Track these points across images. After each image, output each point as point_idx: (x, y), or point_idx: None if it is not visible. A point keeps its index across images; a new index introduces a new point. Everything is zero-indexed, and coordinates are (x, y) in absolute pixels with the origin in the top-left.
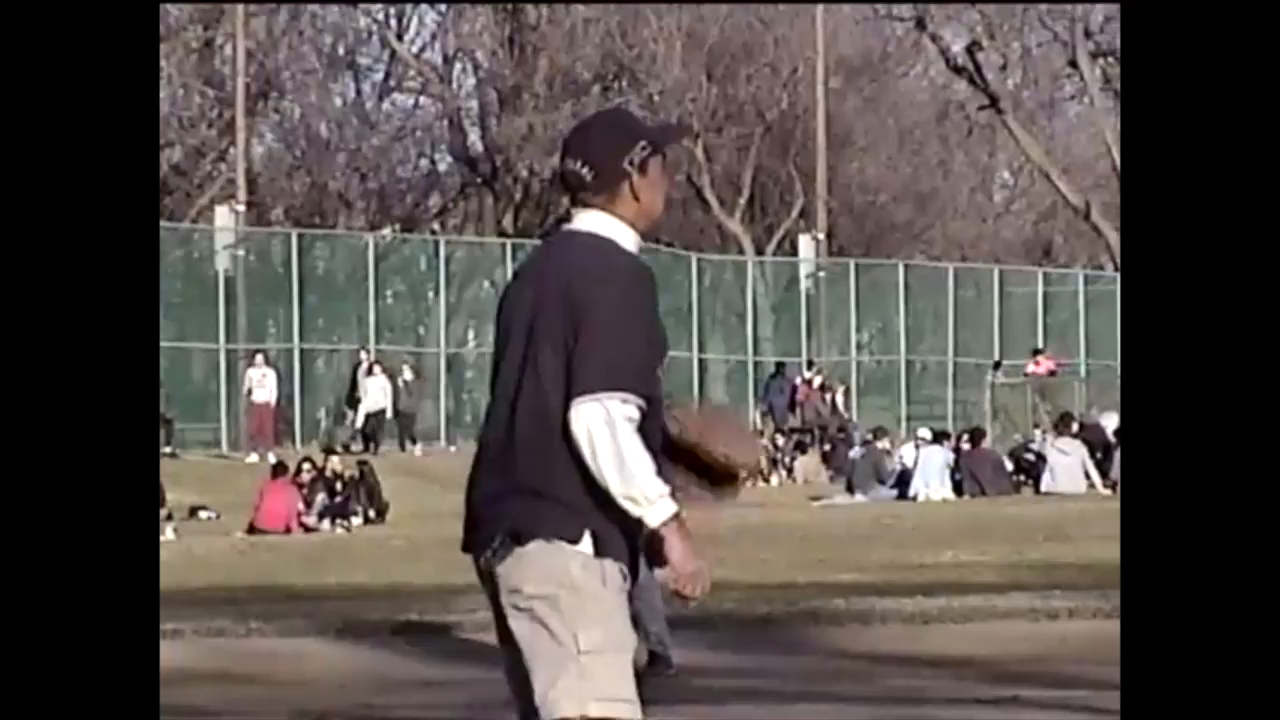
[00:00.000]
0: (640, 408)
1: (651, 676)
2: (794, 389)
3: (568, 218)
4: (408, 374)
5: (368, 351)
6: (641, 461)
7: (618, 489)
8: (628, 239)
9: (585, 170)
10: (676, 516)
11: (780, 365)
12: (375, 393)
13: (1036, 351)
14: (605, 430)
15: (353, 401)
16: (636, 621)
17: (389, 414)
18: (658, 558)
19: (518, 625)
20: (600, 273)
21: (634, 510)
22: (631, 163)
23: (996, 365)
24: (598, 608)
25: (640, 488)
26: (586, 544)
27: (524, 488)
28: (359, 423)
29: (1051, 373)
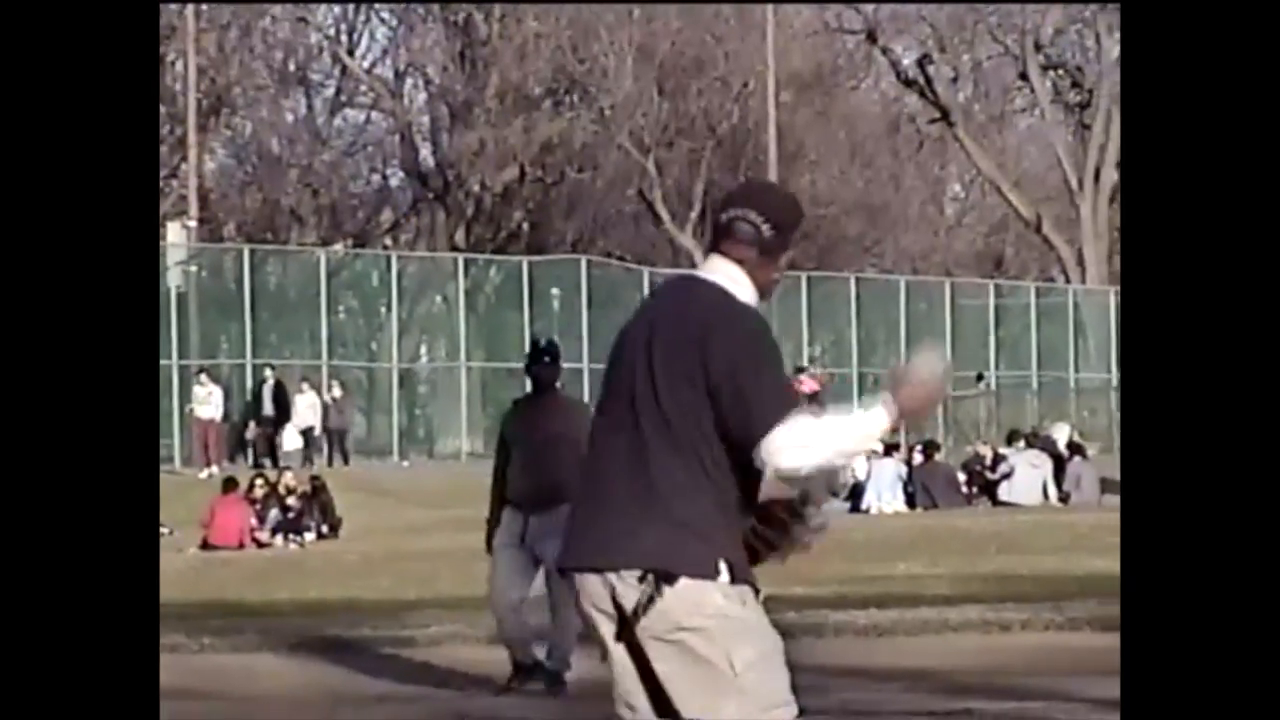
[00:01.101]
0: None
1: (526, 686)
2: None
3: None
4: (336, 390)
5: (272, 368)
6: (831, 424)
7: (847, 457)
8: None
9: (766, 227)
10: (886, 411)
11: None
12: (304, 410)
13: (799, 369)
14: (797, 442)
15: (259, 418)
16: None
17: (317, 430)
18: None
19: (664, 655)
20: (742, 323)
21: (871, 445)
22: (795, 241)
23: (979, 378)
24: (743, 627)
25: (856, 438)
26: (724, 575)
27: (663, 522)
28: (297, 442)
29: (815, 393)
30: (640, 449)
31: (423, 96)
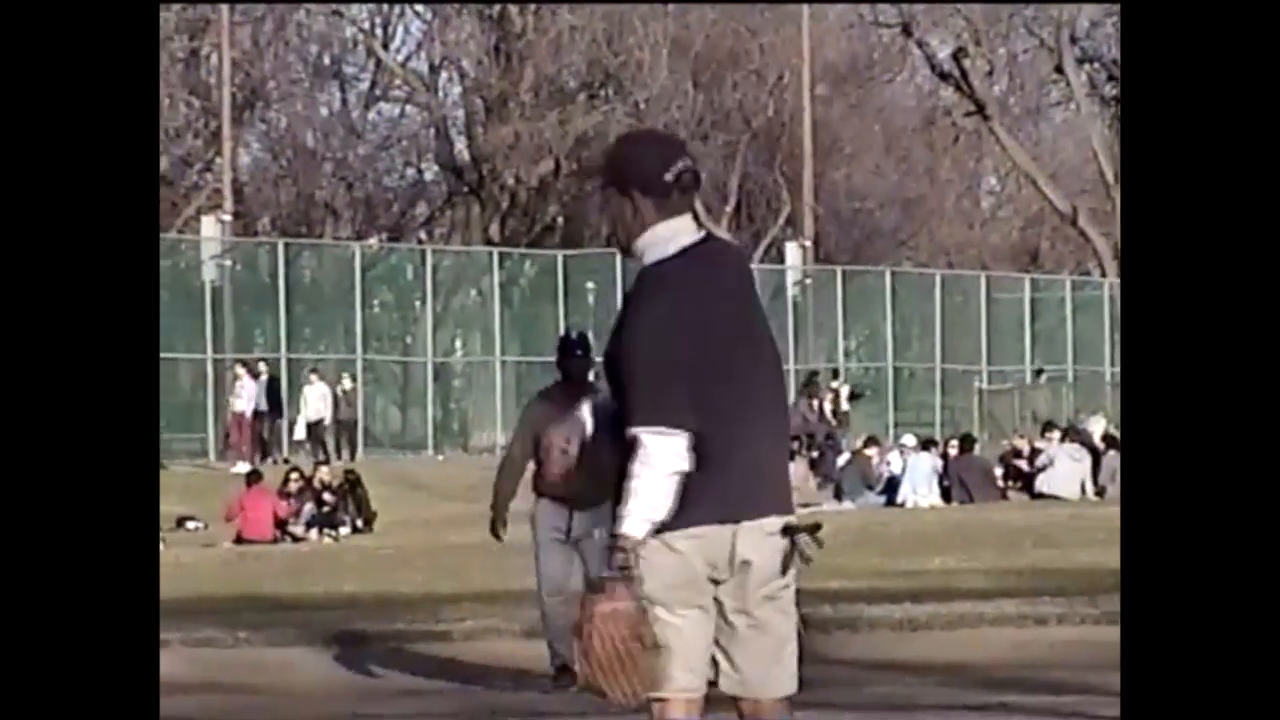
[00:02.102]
0: None
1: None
2: (819, 402)
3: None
4: (346, 383)
5: (266, 363)
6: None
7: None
8: None
9: (696, 169)
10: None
11: (814, 374)
12: (315, 402)
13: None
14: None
15: (255, 412)
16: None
17: (327, 422)
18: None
19: (771, 614)
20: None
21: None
22: None
23: (1039, 373)
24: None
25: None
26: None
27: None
28: (300, 434)
29: None
30: (776, 419)
31: (457, 90)
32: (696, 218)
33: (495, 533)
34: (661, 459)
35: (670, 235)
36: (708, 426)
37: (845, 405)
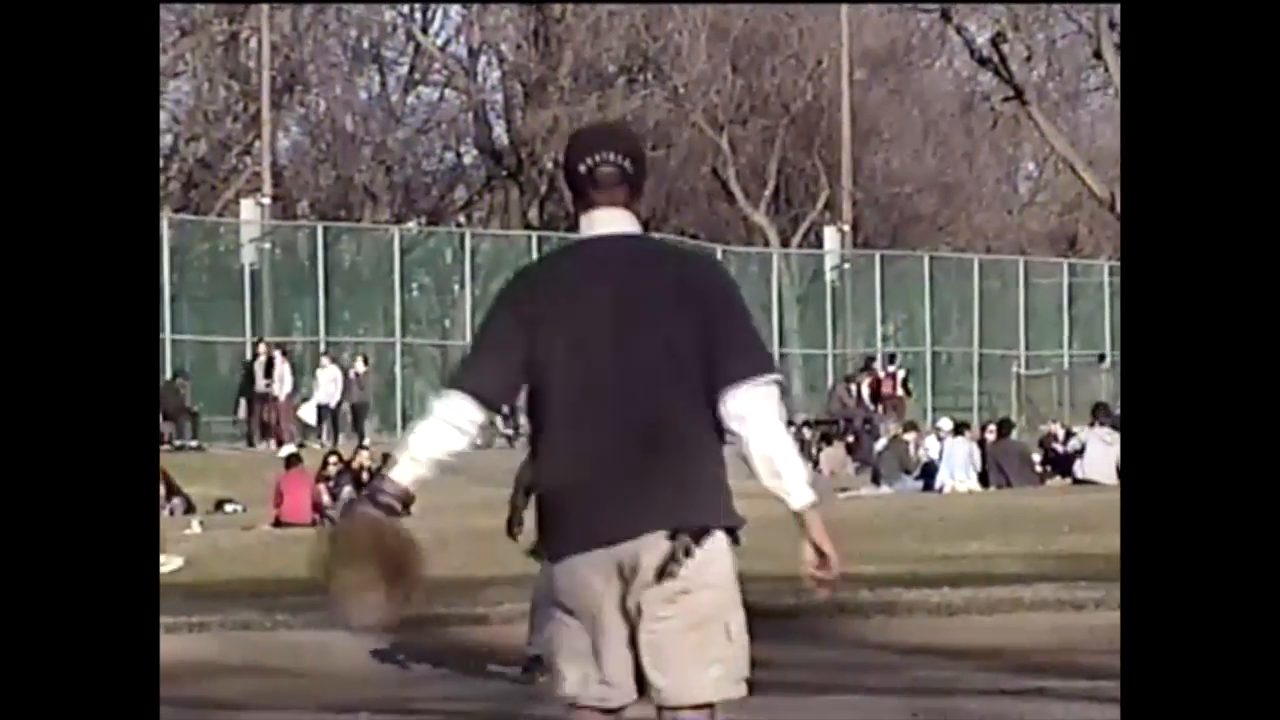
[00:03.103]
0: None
1: None
2: (877, 382)
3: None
4: (359, 366)
5: (267, 344)
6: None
7: (785, 466)
8: None
9: (628, 163)
10: (814, 503)
11: (870, 359)
12: (326, 385)
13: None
14: (775, 413)
15: (249, 394)
16: None
17: (339, 405)
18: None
19: (670, 617)
20: (714, 271)
21: (787, 491)
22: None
23: (1101, 358)
24: (738, 596)
25: (802, 471)
26: (733, 535)
27: (685, 480)
28: (310, 416)
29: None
30: (650, 414)
31: (496, 74)
32: (636, 212)
33: (510, 530)
34: (436, 409)
35: (586, 227)
36: (551, 421)
37: (900, 390)
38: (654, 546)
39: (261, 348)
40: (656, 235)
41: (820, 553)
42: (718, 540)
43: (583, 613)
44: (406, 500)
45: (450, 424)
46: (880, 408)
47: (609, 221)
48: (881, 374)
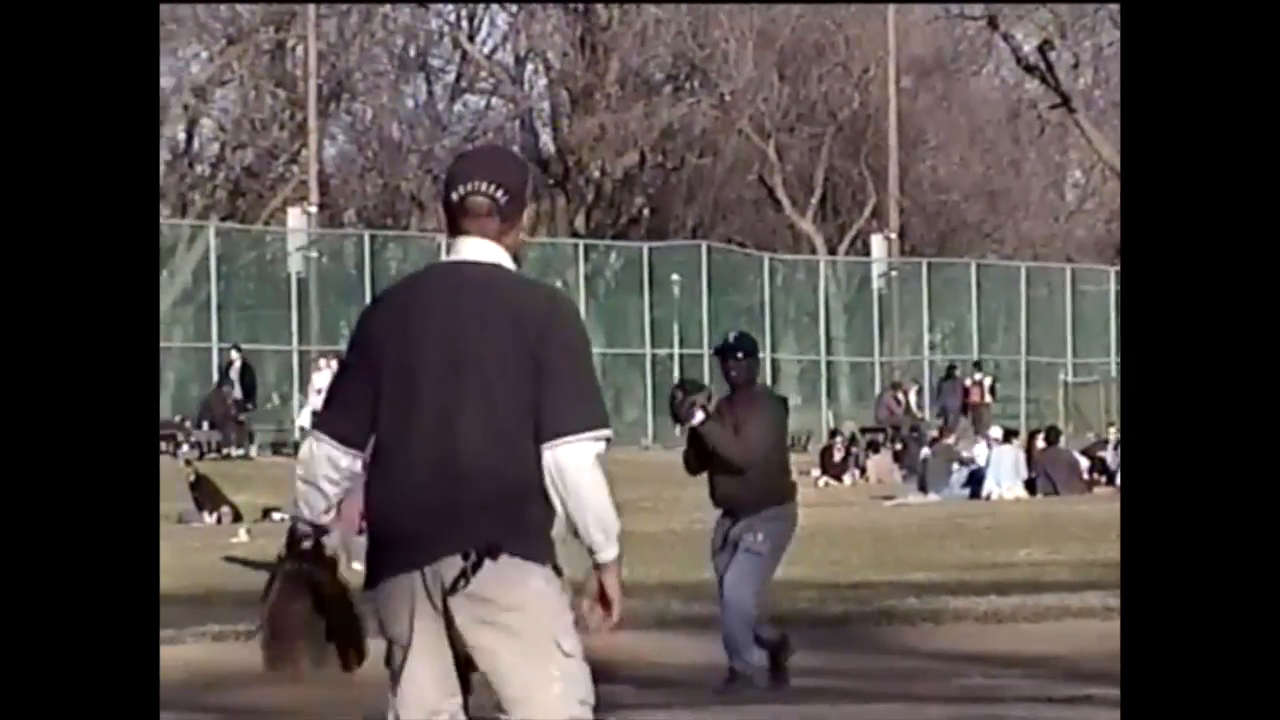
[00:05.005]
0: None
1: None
2: (965, 390)
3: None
4: None
5: (238, 349)
6: (609, 502)
7: (593, 525)
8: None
9: (500, 194)
10: (612, 555)
11: (951, 368)
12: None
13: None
14: (591, 473)
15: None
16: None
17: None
18: (597, 590)
19: (483, 637)
20: (555, 309)
21: (597, 544)
22: (533, 195)
23: None
24: (568, 618)
25: (613, 526)
26: (548, 564)
27: (490, 509)
28: (305, 420)
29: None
30: (453, 440)
31: (543, 82)
32: (509, 244)
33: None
34: (303, 460)
35: (449, 253)
36: (377, 447)
37: (989, 397)
38: (451, 565)
39: (234, 354)
40: (705, 244)
41: (605, 603)
42: (520, 565)
43: (396, 638)
44: (321, 532)
45: (317, 477)
46: (969, 416)
47: (470, 250)
48: (968, 382)
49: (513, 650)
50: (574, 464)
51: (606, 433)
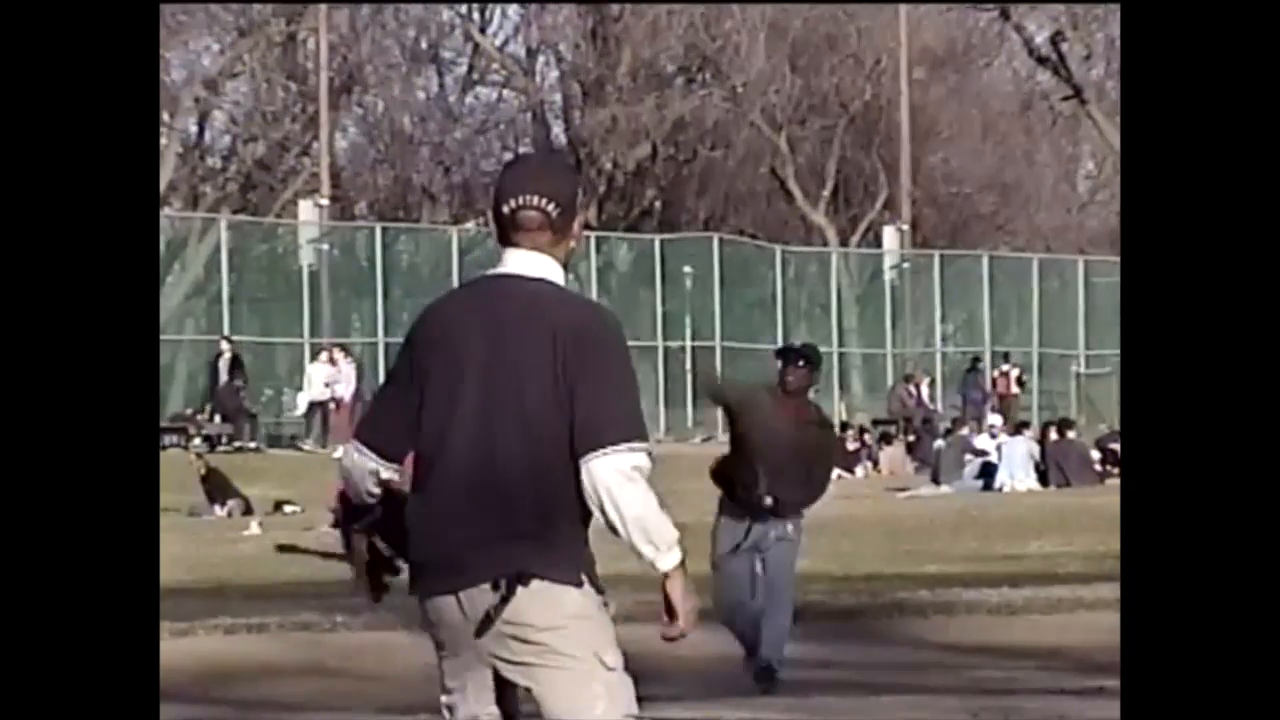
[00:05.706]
0: (650, 453)
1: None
2: (993, 382)
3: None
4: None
5: (230, 341)
6: (660, 511)
7: (638, 538)
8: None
9: (552, 207)
10: (683, 561)
11: (976, 360)
12: (319, 381)
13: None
14: (629, 485)
15: (213, 394)
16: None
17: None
18: (666, 599)
19: (524, 656)
20: (595, 322)
21: (648, 555)
22: (583, 204)
23: None
24: (609, 633)
25: (662, 535)
26: (585, 583)
27: (521, 532)
28: (301, 411)
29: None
30: (490, 460)
31: (554, 74)
32: (560, 255)
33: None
34: (345, 468)
35: (499, 265)
36: (420, 451)
37: (1015, 388)
38: (483, 594)
39: (224, 345)
40: (717, 236)
41: (671, 611)
42: (551, 588)
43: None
44: (390, 492)
45: (360, 492)
46: (998, 407)
47: (520, 263)
48: (996, 373)
49: (555, 669)
50: (611, 477)
51: (646, 445)
